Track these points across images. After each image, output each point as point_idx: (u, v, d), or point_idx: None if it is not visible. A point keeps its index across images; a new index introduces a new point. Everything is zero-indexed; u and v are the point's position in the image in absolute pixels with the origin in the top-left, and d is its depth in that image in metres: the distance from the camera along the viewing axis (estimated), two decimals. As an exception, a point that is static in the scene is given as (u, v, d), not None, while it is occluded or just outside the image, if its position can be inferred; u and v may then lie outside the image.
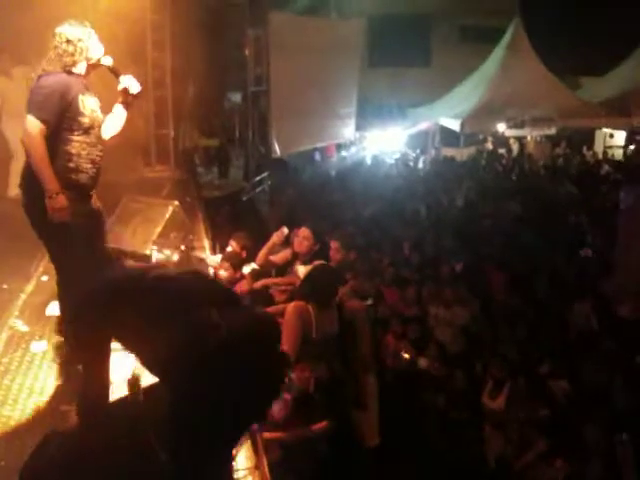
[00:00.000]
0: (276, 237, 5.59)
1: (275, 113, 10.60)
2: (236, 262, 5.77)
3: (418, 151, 17.70)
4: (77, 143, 3.54)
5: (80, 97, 3.53)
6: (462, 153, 16.89)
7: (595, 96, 15.19)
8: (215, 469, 2.35)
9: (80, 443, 2.66)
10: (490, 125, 14.78)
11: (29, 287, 4.80)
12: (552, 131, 14.99)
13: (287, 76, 10.68)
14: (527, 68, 14.42)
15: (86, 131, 3.57)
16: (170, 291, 2.56)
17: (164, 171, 7.82)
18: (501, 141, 17.15)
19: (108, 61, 3.72)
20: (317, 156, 14.99)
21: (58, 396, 3.44)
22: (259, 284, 5.51)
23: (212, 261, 5.96)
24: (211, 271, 5.78)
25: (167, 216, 5.73)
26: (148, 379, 2.84)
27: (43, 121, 3.35)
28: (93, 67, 3.70)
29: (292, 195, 10.51)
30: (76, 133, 3.53)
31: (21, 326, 4.22)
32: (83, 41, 3.55)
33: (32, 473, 2.52)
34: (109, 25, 5.29)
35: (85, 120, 3.55)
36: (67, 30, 3.51)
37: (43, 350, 3.93)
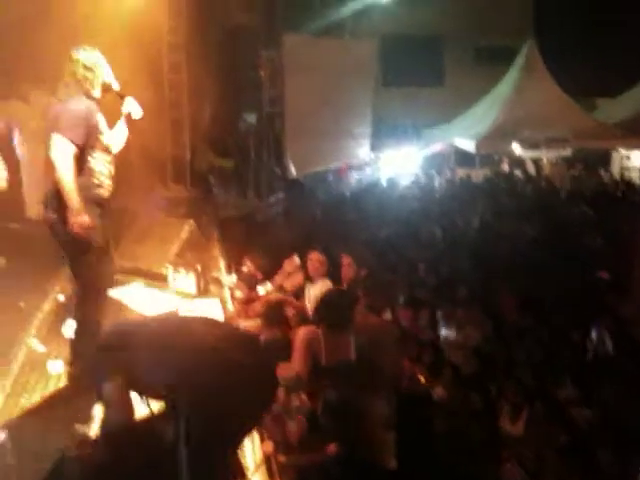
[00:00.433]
0: (287, 265, 5.63)
1: (290, 134, 10.67)
2: (251, 282, 5.79)
3: (433, 172, 17.68)
4: (99, 161, 3.78)
5: (100, 118, 3.80)
6: (477, 174, 16.85)
7: (610, 117, 15.13)
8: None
9: (96, 464, 2.68)
10: (505, 146, 14.75)
11: (46, 306, 4.83)
12: (567, 152, 14.93)
13: (301, 96, 10.76)
14: (542, 89, 14.42)
15: (105, 149, 3.83)
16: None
17: (180, 191, 7.89)
18: (516, 162, 17.09)
19: (116, 86, 3.97)
20: (330, 177, 15.01)
21: (73, 416, 3.44)
22: (273, 298, 5.50)
23: (227, 281, 5.98)
24: (227, 290, 5.80)
25: (183, 235, 5.78)
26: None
27: (72, 142, 3.58)
28: (106, 91, 3.91)
29: (307, 215, 10.53)
30: (98, 151, 3.77)
31: (37, 345, 4.25)
32: (99, 67, 3.82)
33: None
34: (126, 48, 5.38)
35: (104, 139, 3.80)
36: (84, 56, 3.77)
37: (59, 369, 3.95)
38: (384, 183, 15.73)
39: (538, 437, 5.14)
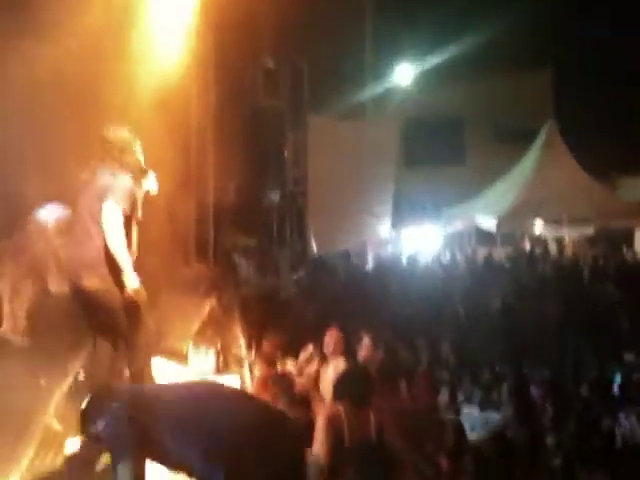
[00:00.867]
0: (303, 356, 5.64)
1: (312, 212, 10.86)
2: (270, 361, 5.77)
3: (454, 250, 17.70)
4: (136, 230, 4.03)
5: (139, 194, 4.05)
6: (499, 252, 16.84)
7: (632, 196, 15.17)
8: None
9: None
10: (526, 224, 14.80)
11: (66, 384, 4.83)
12: (590, 231, 14.90)
13: (324, 176, 11.02)
14: (562, 168, 14.58)
15: (139, 223, 4.08)
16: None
17: (203, 269, 7.96)
18: (538, 241, 17.06)
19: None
20: (352, 254, 15.08)
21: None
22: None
23: (247, 359, 5.97)
24: (246, 369, 5.78)
25: (204, 313, 5.81)
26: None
27: (123, 210, 3.85)
28: (138, 168, 4.13)
29: (328, 293, 10.55)
30: (135, 222, 4.04)
31: (56, 425, 4.23)
32: (133, 145, 4.09)
33: None
34: (154, 128, 5.57)
35: (140, 209, 4.07)
36: (121, 136, 4.07)
37: (76, 450, 3.92)
38: (405, 261, 15.76)
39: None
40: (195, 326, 5.73)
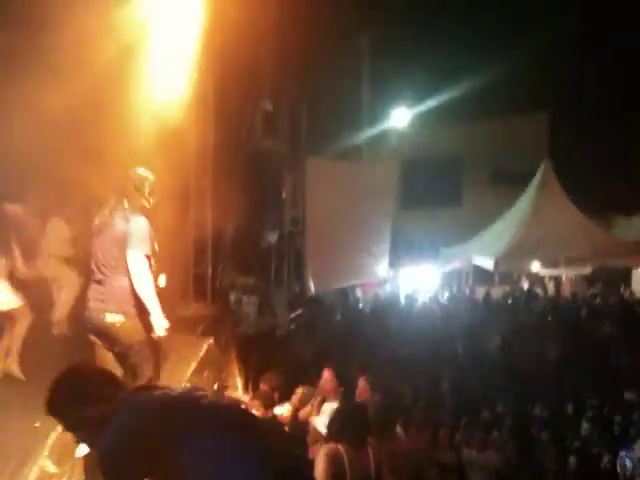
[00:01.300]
0: (295, 399, 5.64)
1: (310, 252, 10.89)
2: (267, 402, 5.73)
3: (453, 290, 17.73)
4: (153, 268, 4.19)
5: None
6: (496, 292, 16.86)
7: (628, 235, 15.26)
8: None
9: None
10: (524, 264, 14.84)
11: (60, 426, 4.80)
12: (587, 270, 14.95)
13: (322, 216, 11.08)
14: (559, 208, 14.69)
15: (155, 257, 4.25)
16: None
17: (201, 309, 7.97)
18: (536, 280, 17.10)
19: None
20: (349, 293, 15.10)
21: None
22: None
23: (244, 400, 5.93)
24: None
25: (201, 354, 5.80)
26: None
27: (147, 256, 4.07)
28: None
29: (325, 332, 10.53)
30: (154, 259, 4.21)
31: (50, 466, 4.19)
32: (149, 185, 4.33)
33: None
34: (156, 171, 5.64)
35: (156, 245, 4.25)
36: (143, 175, 4.32)
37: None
38: (403, 300, 15.77)
39: None
40: (192, 367, 5.71)
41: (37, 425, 4.70)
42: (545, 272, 15.22)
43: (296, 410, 5.55)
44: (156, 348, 4.25)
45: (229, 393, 5.94)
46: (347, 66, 16.75)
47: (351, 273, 12.94)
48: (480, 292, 16.72)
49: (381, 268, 13.96)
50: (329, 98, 14.31)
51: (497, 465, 6.37)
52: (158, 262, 4.28)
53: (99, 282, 4.19)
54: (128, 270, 4.06)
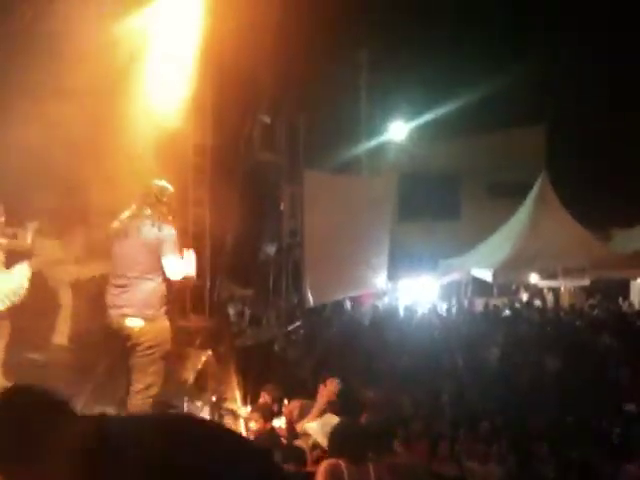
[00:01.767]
0: (287, 411, 5.64)
1: (308, 264, 10.89)
2: (267, 414, 5.70)
3: (453, 301, 17.72)
4: None
5: None
6: (496, 303, 16.87)
7: (626, 247, 15.30)
8: None
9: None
10: (522, 275, 14.86)
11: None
12: (585, 282, 14.96)
13: (320, 229, 11.09)
14: (556, 220, 14.76)
15: None
16: None
17: (198, 321, 7.93)
18: (534, 291, 17.12)
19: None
20: (348, 305, 15.07)
21: None
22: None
23: (242, 412, 5.91)
24: (242, 422, 5.71)
25: (200, 366, 5.78)
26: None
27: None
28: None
29: (324, 344, 10.50)
30: None
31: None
32: (171, 196, 4.66)
33: None
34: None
35: None
36: (164, 187, 4.65)
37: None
38: (402, 312, 15.75)
39: None
40: (191, 379, 5.70)
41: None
42: (544, 284, 15.25)
43: (291, 423, 5.51)
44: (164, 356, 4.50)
45: (228, 405, 5.92)
46: (345, 80, 16.86)
47: (350, 285, 12.93)
48: (479, 304, 16.72)
49: (380, 280, 13.95)
50: (327, 111, 14.38)
51: (499, 478, 6.33)
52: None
53: (122, 287, 4.42)
54: (152, 275, 4.40)
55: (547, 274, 14.43)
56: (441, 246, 18.48)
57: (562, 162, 18.35)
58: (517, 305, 16.65)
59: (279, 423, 5.65)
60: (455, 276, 16.71)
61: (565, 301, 16.96)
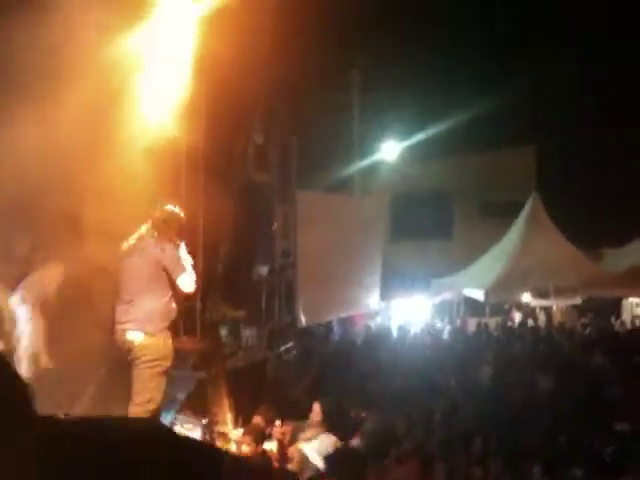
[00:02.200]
0: (278, 433, 5.70)
1: (301, 284, 10.88)
2: (258, 437, 5.67)
3: (445, 321, 17.70)
4: None
5: None
6: (488, 323, 16.88)
7: (618, 266, 15.37)
8: None
9: None
10: (515, 295, 14.89)
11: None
12: (577, 301, 15.01)
13: (313, 248, 11.10)
14: (547, 240, 14.84)
15: None
16: None
17: (190, 342, 7.89)
18: (527, 311, 17.13)
19: None
20: (341, 325, 15.00)
21: None
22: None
23: (234, 435, 5.86)
24: (233, 445, 5.66)
25: (191, 388, 5.74)
26: None
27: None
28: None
29: (317, 365, 10.44)
30: None
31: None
32: (180, 222, 5.07)
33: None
34: (146, 205, 5.67)
35: None
36: (173, 212, 4.99)
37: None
38: (395, 331, 15.70)
39: None
40: (182, 400, 5.65)
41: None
42: (536, 303, 15.26)
43: (283, 446, 5.48)
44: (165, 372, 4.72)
45: (219, 428, 5.87)
46: (337, 100, 16.98)
47: (343, 305, 12.92)
48: (472, 323, 16.71)
49: (372, 300, 13.95)
50: (319, 131, 14.46)
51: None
52: None
53: (127, 302, 4.71)
54: (154, 293, 4.68)
55: (539, 293, 14.46)
56: (433, 265, 18.51)
57: (553, 182, 18.49)
58: (510, 324, 16.65)
59: (271, 446, 5.62)
60: (447, 296, 16.72)
61: (557, 320, 17.00)
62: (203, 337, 7.99)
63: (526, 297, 14.51)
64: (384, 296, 15.29)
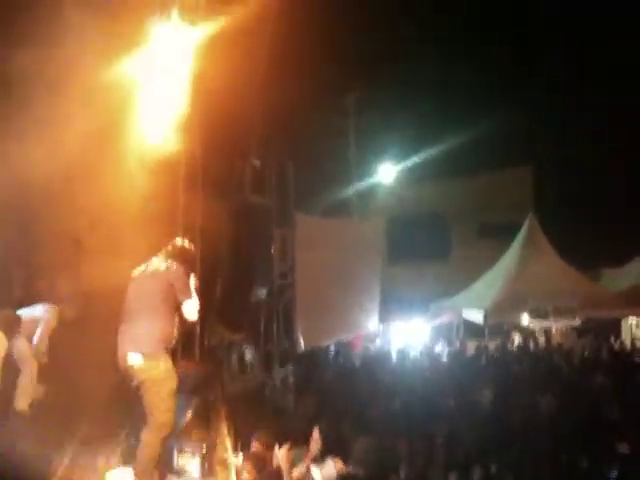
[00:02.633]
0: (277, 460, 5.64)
1: (300, 307, 10.84)
2: (259, 463, 5.58)
3: (444, 343, 17.61)
4: None
5: None
6: (488, 345, 16.79)
7: (616, 286, 15.37)
8: None
9: None
10: (513, 316, 14.85)
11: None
12: (577, 322, 14.97)
13: (312, 272, 11.08)
14: (545, 261, 14.88)
15: None
16: None
17: (188, 366, 7.80)
18: (526, 332, 17.07)
19: None
20: (341, 349, 14.90)
21: None
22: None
23: (234, 462, 5.77)
24: (233, 473, 5.57)
25: (190, 413, 5.67)
26: None
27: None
28: None
29: (316, 389, 10.36)
30: None
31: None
32: (191, 256, 5.22)
33: None
34: (143, 228, 5.67)
35: None
36: (185, 246, 5.16)
37: None
38: (394, 354, 15.61)
39: None
40: (181, 425, 5.56)
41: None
42: (535, 324, 15.22)
43: (279, 471, 5.40)
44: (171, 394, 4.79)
45: (218, 454, 5.77)
46: (334, 123, 17.08)
47: (342, 328, 12.86)
48: (471, 346, 16.63)
49: (371, 323, 13.90)
50: (316, 155, 14.52)
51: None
52: None
53: (129, 322, 4.75)
54: (158, 313, 4.73)
55: (538, 315, 14.43)
56: (431, 288, 18.50)
57: (550, 202, 18.56)
58: (509, 346, 16.57)
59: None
60: (446, 318, 16.67)
61: (556, 341, 16.94)
62: (201, 361, 7.91)
63: (525, 319, 14.46)
64: (383, 319, 15.23)
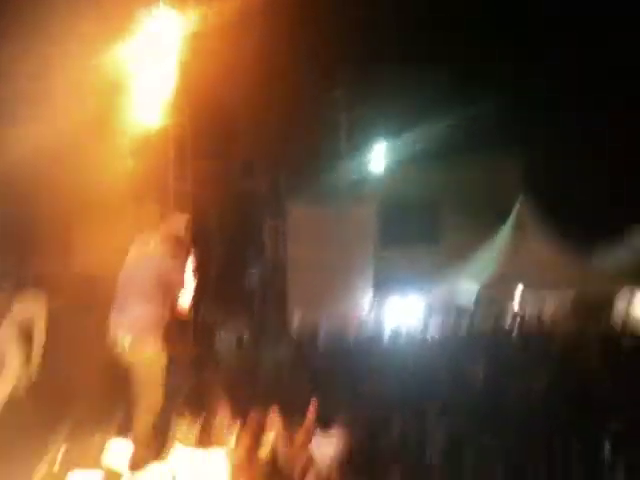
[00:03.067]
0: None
1: (293, 288, 10.94)
2: (255, 440, 5.66)
3: (437, 324, 17.71)
4: None
5: None
6: (480, 325, 16.92)
7: (609, 264, 15.50)
8: None
9: None
10: (505, 297, 14.96)
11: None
12: (568, 302, 15.10)
13: (304, 256, 11.17)
14: (537, 241, 14.96)
15: None
16: None
17: (183, 349, 7.89)
18: (518, 312, 17.20)
19: None
20: (333, 329, 14.97)
21: None
22: None
23: (230, 438, 5.85)
24: (230, 446, 5.65)
25: (185, 393, 5.74)
26: None
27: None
28: None
29: (310, 368, 10.44)
30: None
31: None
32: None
33: None
34: (133, 218, 5.73)
35: None
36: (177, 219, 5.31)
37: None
38: (386, 335, 15.70)
39: None
40: (178, 404, 5.65)
41: None
42: (527, 304, 15.35)
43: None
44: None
45: (215, 431, 5.85)
46: (324, 112, 17.08)
47: (334, 308, 12.95)
48: (463, 326, 16.74)
49: (363, 304, 13.99)
50: (307, 144, 14.54)
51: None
52: None
53: (121, 305, 4.79)
54: (150, 297, 4.73)
55: (530, 295, 14.55)
56: (423, 270, 18.57)
57: (541, 185, 18.60)
58: (501, 325, 16.68)
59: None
60: (439, 297, 16.78)
61: (548, 321, 17.07)
62: (196, 343, 7.99)
63: (517, 297, 14.58)
64: (376, 299, 15.32)
